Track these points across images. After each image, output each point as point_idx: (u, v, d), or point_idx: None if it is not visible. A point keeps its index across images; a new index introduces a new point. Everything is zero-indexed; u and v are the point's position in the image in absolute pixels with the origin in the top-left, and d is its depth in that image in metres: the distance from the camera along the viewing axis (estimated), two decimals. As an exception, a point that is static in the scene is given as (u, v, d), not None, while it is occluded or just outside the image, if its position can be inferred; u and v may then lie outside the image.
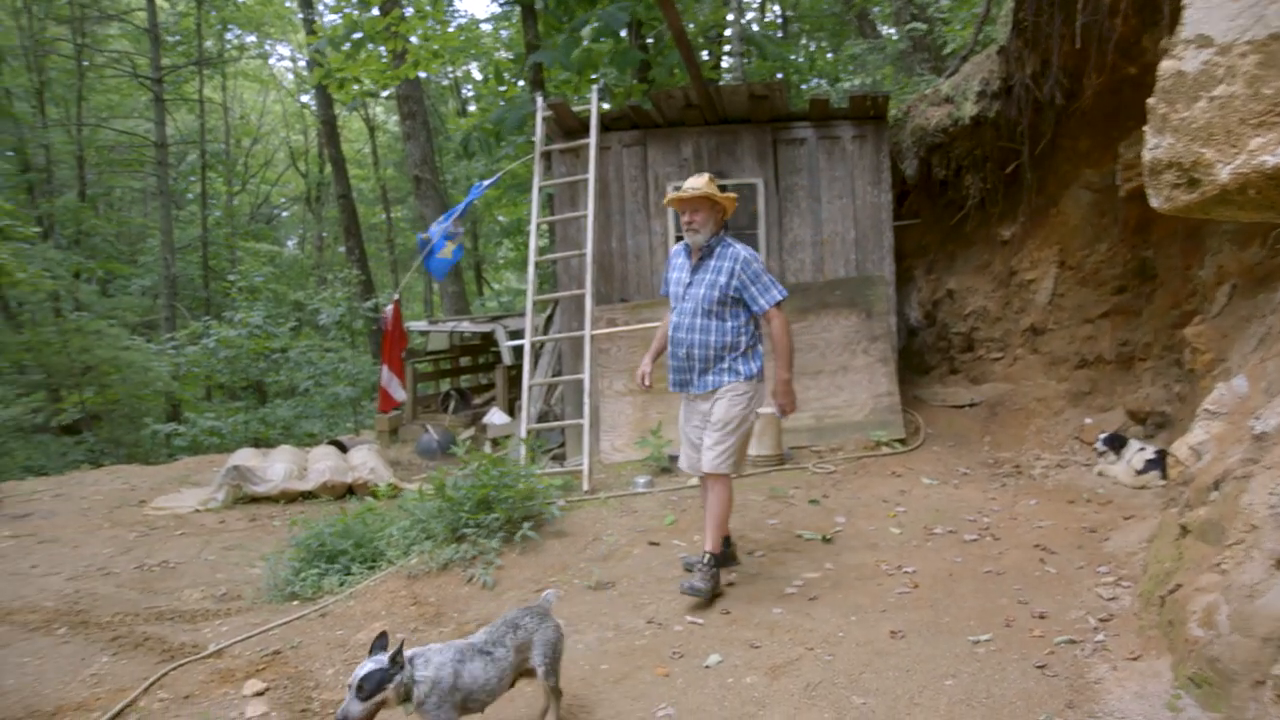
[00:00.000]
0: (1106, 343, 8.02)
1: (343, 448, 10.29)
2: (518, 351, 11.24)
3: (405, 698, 3.30)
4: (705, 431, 4.98)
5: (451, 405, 12.80)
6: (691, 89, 8.20)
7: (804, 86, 14.64)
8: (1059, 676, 3.84)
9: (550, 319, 9.46)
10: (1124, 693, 3.64)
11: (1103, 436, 6.96)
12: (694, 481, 6.94)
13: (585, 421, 7.23)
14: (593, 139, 8.14)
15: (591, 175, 8.02)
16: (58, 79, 24.94)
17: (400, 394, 9.44)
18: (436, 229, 8.75)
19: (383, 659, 3.26)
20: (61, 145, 25.10)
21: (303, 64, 28.79)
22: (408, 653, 3.36)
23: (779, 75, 13.80)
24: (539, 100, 8.52)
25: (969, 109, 8.40)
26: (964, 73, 8.83)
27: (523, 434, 7.25)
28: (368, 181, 28.65)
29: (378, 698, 3.21)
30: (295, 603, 5.66)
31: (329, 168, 24.52)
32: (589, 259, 7.83)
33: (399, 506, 6.44)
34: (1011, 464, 7.45)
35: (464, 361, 14.74)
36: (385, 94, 19.60)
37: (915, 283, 9.82)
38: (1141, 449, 6.62)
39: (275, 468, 9.01)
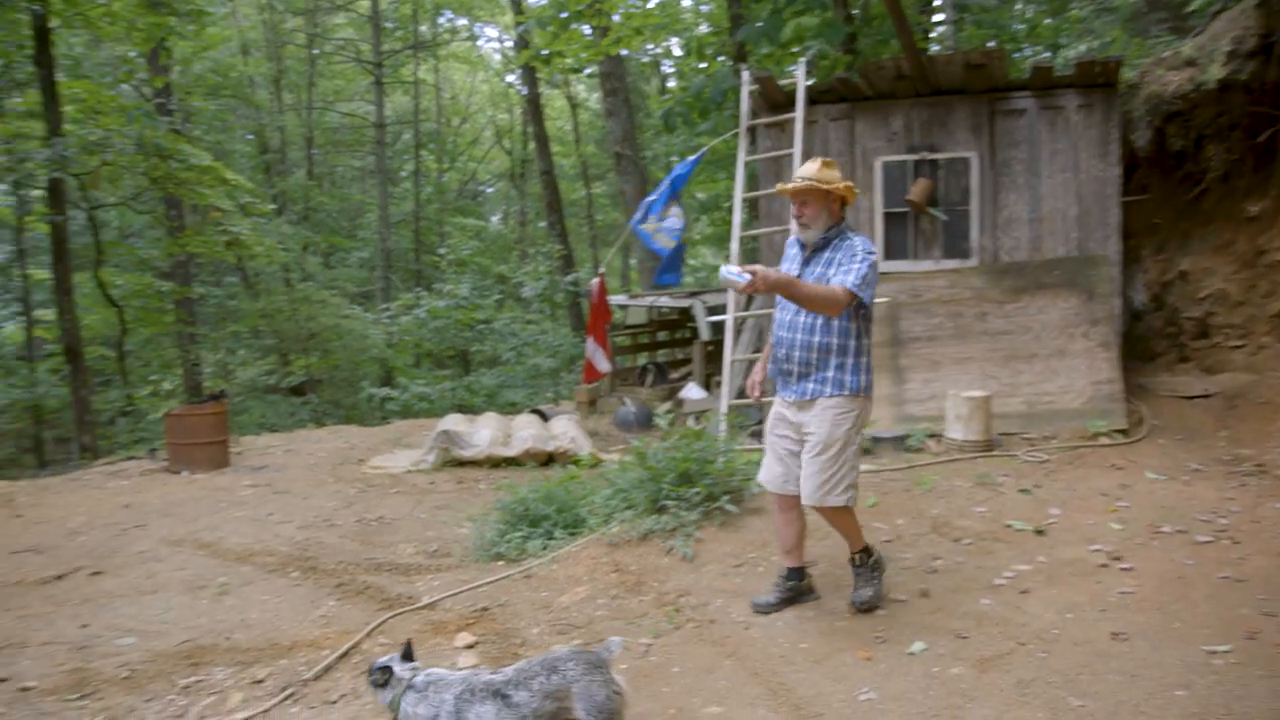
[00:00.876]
0: (1372, 332, 7.22)
1: (544, 417, 10.63)
2: (716, 327, 11.25)
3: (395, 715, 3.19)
4: (803, 454, 4.35)
5: (649, 379, 12.98)
6: (903, 59, 7.91)
7: (1015, 55, 13.85)
8: (1314, 697, 3.50)
9: (752, 295, 9.40)
10: (1394, 721, 3.28)
11: (1365, 436, 6.27)
12: (897, 464, 6.76)
13: (785, 399, 7.15)
14: (799, 113, 7.99)
15: (797, 150, 7.88)
16: (292, 67, 26.87)
17: (604, 365, 9.64)
18: (661, 213, 8.75)
19: (393, 660, 3.24)
20: (293, 128, 27.07)
21: (509, 45, 29.79)
22: (420, 677, 3.18)
23: (990, 44, 13.11)
24: (744, 74, 8.44)
25: (1216, 71, 7.70)
26: (1211, 31, 8.10)
27: (724, 410, 7.25)
28: (569, 158, 29.36)
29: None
30: (500, 563, 5.90)
31: (532, 145, 25.28)
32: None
33: (600, 476, 6.58)
34: (1253, 462, 6.81)
35: (662, 336, 14.91)
36: (588, 71, 20.02)
37: (1142, 263, 9.14)
38: None
39: (481, 433, 9.41)
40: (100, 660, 4.66)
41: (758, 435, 8.28)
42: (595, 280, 9.82)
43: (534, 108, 22.64)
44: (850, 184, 4.35)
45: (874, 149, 8.58)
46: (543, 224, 26.65)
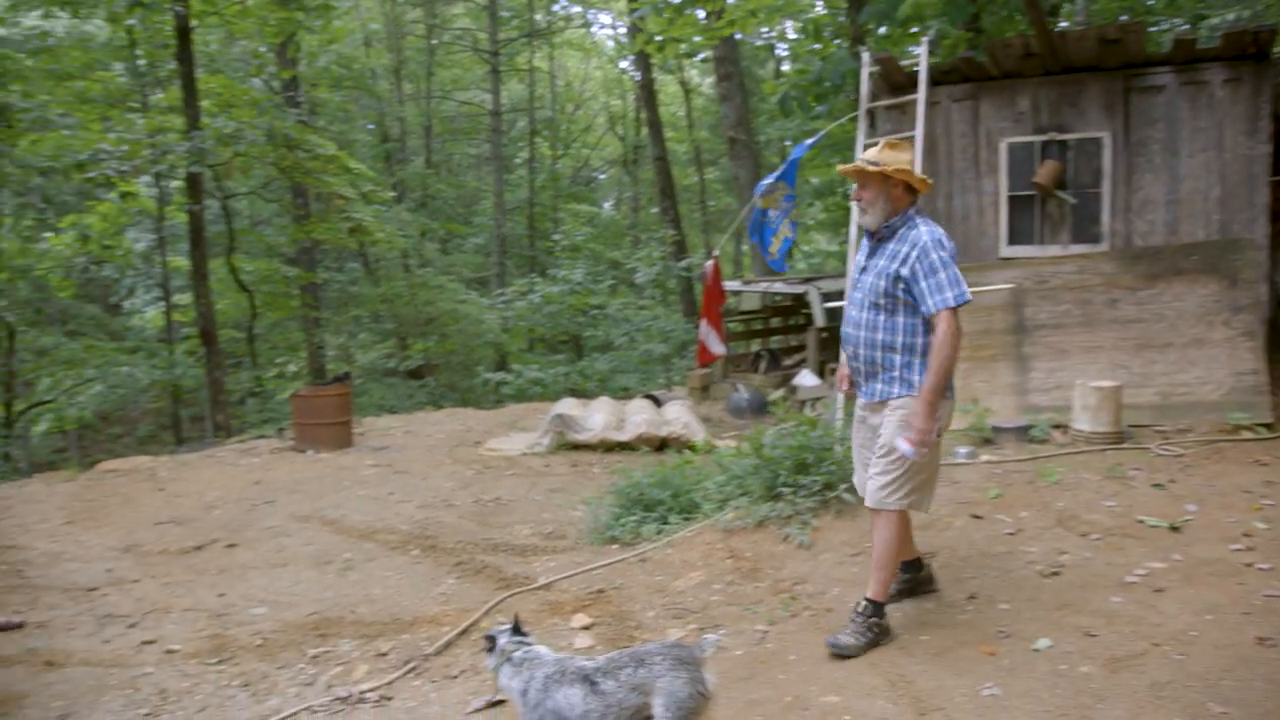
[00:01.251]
0: None
1: (657, 402, 10.67)
2: (831, 313, 11.08)
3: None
4: (873, 455, 4.12)
5: (762, 365, 12.88)
6: (1032, 36, 7.61)
7: (1152, 28, 13.17)
8: None
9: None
10: None
11: None
12: (1020, 455, 6.56)
13: (903, 387, 7.00)
14: (921, 94, 7.77)
15: (919, 132, 7.67)
16: (412, 57, 27.55)
17: (718, 347, 9.59)
18: (770, 201, 8.60)
19: (502, 631, 3.33)
20: (413, 117, 27.76)
21: (622, 31, 29.88)
22: (519, 652, 3.23)
23: (1123, 17, 12.51)
24: (864, 55, 8.26)
25: (1380, 38, 7.15)
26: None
27: (841, 396, 7.14)
28: (682, 144, 29.32)
29: None
30: (615, 546, 5.96)
31: (645, 131, 25.31)
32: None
33: (715, 462, 6.57)
34: None
35: (775, 322, 14.77)
36: (700, 57, 19.92)
37: (1291, 247, 8.60)
38: None
39: (595, 418, 9.50)
40: (236, 628, 4.90)
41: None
42: (709, 263, 9.79)
43: (647, 93, 22.64)
44: (904, 168, 3.95)
45: (999, 130, 8.29)
46: (655, 210, 26.70)
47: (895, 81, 8.45)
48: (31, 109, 15.12)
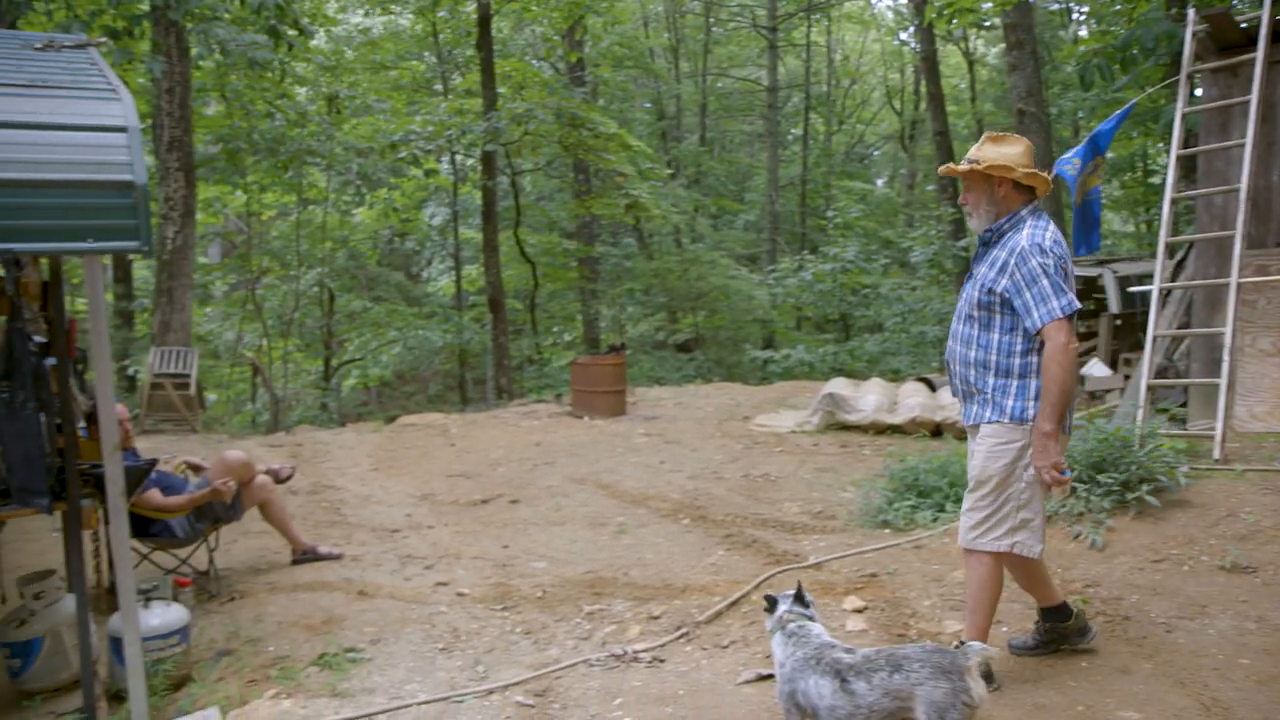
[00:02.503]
0: None
1: (931, 386, 10.25)
2: (1128, 298, 10.21)
3: None
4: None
5: (1046, 352, 12.06)
6: None
7: None
8: None
9: (1180, 264, 8.34)
10: None
11: None
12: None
13: (1222, 382, 6.28)
14: (1260, 50, 6.88)
15: (1255, 96, 6.81)
16: (690, 34, 27.97)
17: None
18: (1074, 170, 7.98)
19: (786, 597, 3.27)
20: (689, 95, 28.18)
21: (902, 1, 28.80)
22: (794, 624, 3.13)
23: None
24: (1189, 13, 7.44)
25: None
26: None
27: (1143, 389, 6.55)
28: (963, 118, 27.93)
29: None
30: (887, 531, 5.79)
31: (924, 105, 24.31)
32: (1243, 195, 6.70)
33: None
34: None
35: (1062, 307, 13.78)
36: (986, 24, 18.82)
37: None
38: None
39: (867, 399, 9.26)
40: (518, 578, 5.19)
41: (1178, 420, 7.41)
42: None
43: (929, 65, 21.70)
44: (1003, 164, 3.48)
45: (1355, 90, 7.21)
46: (932, 187, 25.66)
47: (1227, 40, 7.54)
48: (356, 96, 16.73)
